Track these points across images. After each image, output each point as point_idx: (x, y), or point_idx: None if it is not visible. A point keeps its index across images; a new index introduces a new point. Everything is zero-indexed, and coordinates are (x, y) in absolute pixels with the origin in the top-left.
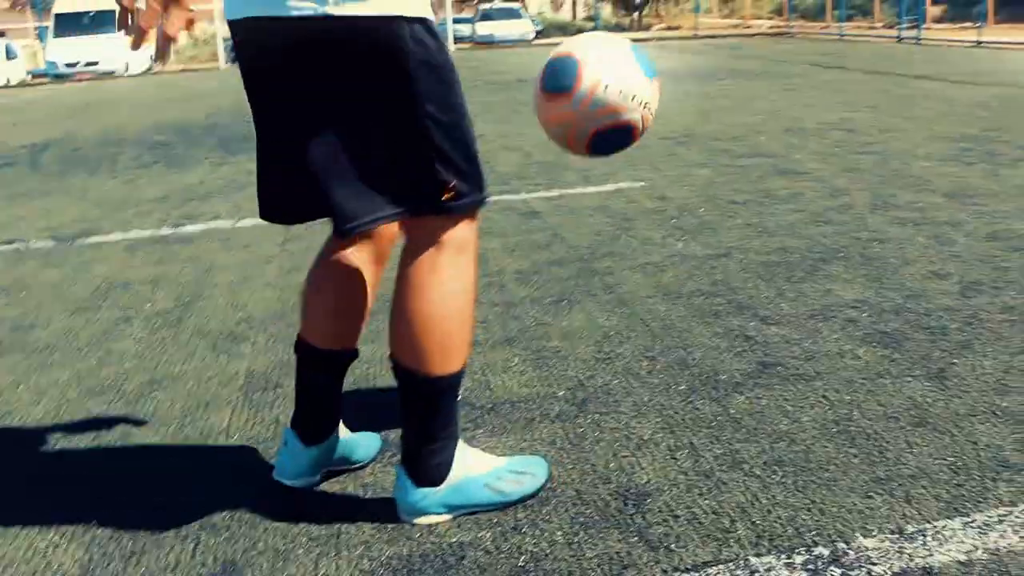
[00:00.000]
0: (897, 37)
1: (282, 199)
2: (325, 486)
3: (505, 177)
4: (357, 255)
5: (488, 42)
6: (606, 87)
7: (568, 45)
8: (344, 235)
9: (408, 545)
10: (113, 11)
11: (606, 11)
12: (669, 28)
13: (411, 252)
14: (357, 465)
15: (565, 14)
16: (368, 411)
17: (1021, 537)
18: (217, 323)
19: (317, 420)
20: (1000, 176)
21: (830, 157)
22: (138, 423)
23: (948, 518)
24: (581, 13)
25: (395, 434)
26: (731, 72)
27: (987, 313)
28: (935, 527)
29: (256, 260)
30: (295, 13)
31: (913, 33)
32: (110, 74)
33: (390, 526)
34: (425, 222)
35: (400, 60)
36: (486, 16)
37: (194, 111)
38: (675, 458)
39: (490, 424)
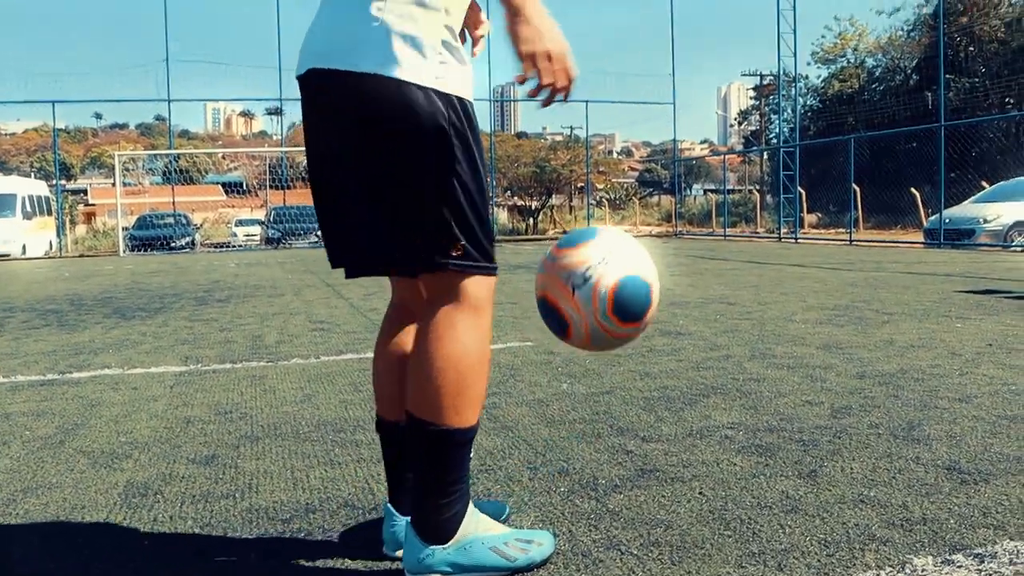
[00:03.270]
0: (777, 237)
1: (337, 248)
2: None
3: None
4: (415, 323)
5: None
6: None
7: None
8: (350, 276)
9: None
10: (11, 195)
11: (502, 216)
12: (564, 232)
13: (429, 308)
14: None
15: None
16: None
17: None
18: (100, 444)
19: (406, 491)
20: (868, 333)
21: (711, 323)
22: (8, 525)
23: None
24: None
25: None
26: None
27: (855, 429)
28: None
29: (143, 399)
30: (345, 68)
31: (792, 235)
32: (5, 256)
33: None
34: (441, 280)
35: (439, 126)
36: None
37: (89, 286)
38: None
39: (372, 522)
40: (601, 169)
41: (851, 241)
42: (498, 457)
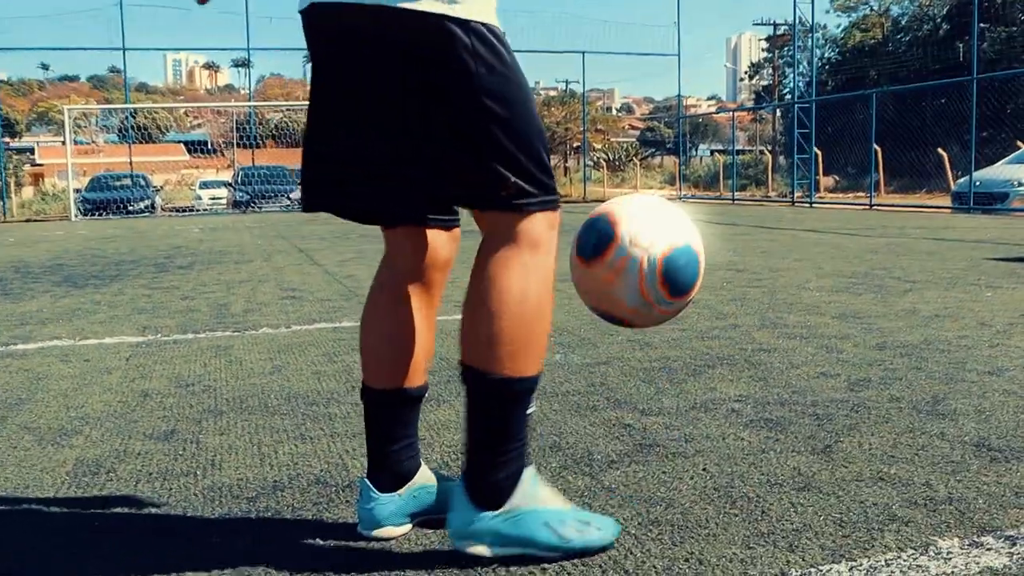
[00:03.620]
0: (790, 201)
1: (339, 190)
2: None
3: None
4: (409, 284)
5: None
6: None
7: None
8: (391, 225)
9: None
10: None
11: None
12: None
13: (485, 249)
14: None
15: None
16: None
17: None
18: (47, 420)
19: (387, 465)
20: (889, 302)
21: (718, 291)
22: None
23: (834, 563)
24: None
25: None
26: None
27: (874, 403)
28: (820, 570)
29: (96, 371)
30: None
31: (806, 199)
32: None
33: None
34: (496, 219)
35: (459, 56)
36: None
37: (37, 253)
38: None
39: (345, 500)
40: (599, 127)
41: (871, 205)
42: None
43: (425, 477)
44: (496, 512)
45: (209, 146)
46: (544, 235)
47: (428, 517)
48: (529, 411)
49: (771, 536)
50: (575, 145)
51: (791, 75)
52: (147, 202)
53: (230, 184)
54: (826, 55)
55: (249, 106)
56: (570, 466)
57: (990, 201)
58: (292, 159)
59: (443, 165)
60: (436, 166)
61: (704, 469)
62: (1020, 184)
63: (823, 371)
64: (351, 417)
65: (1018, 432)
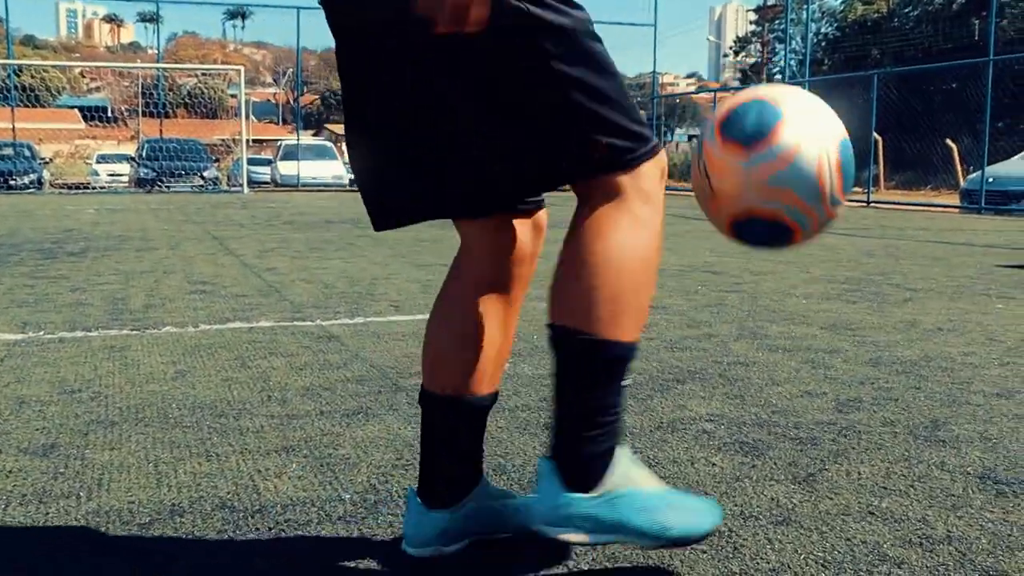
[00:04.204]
0: None
1: (402, 194)
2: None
3: (298, 306)
4: (489, 278)
5: (291, 185)
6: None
7: (769, 91)
8: (476, 216)
9: None
10: None
11: None
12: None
13: (586, 207)
14: (507, 534)
15: None
16: None
17: None
18: None
19: (442, 480)
20: (886, 312)
21: (691, 295)
22: None
23: None
24: None
25: None
26: None
27: (865, 426)
28: None
29: None
30: None
31: None
32: None
33: None
34: (592, 184)
35: (527, 18)
36: (289, 155)
37: None
38: (487, 556)
39: (255, 527)
40: None
41: (868, 202)
42: (418, 450)
43: (484, 493)
44: (589, 495)
45: (109, 113)
46: (653, 187)
47: (486, 536)
48: (625, 383)
49: None
50: None
51: (782, 52)
52: (32, 176)
53: (133, 159)
54: (823, 30)
55: (158, 68)
56: (517, 492)
57: (1004, 200)
58: (206, 131)
59: (525, 144)
60: (515, 147)
61: None
62: None
63: (808, 389)
64: (265, 431)
65: None
